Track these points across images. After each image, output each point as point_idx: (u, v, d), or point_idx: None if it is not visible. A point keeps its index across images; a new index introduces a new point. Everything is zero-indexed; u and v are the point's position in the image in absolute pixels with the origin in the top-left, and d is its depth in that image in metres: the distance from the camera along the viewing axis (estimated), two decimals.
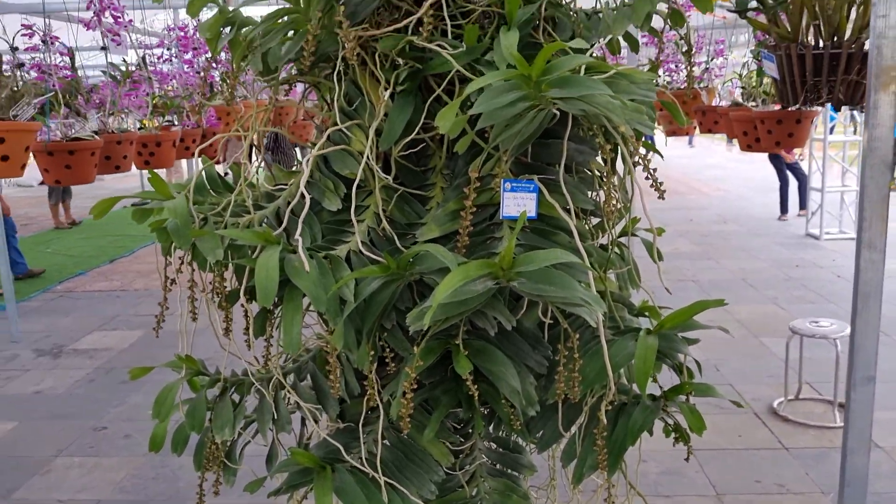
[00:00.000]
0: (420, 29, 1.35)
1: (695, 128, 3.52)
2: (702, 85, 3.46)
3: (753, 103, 2.72)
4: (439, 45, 1.35)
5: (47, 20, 2.57)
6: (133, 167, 2.87)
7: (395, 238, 1.39)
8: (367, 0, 1.41)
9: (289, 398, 1.54)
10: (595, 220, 1.58)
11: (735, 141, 2.92)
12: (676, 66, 3.64)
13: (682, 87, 3.60)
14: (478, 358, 1.29)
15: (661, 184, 1.31)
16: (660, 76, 3.72)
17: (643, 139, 1.42)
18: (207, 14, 1.51)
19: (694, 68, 3.54)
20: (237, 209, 1.47)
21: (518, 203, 1.35)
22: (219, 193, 1.58)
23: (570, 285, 1.15)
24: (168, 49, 3.12)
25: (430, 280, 1.27)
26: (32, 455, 3.37)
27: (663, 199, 1.28)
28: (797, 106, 1.96)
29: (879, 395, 3.59)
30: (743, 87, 2.98)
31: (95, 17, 2.41)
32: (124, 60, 2.86)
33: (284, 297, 1.24)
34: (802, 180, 8.51)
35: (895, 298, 5.22)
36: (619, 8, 1.49)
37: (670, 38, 3.73)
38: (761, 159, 9.17)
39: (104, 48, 2.69)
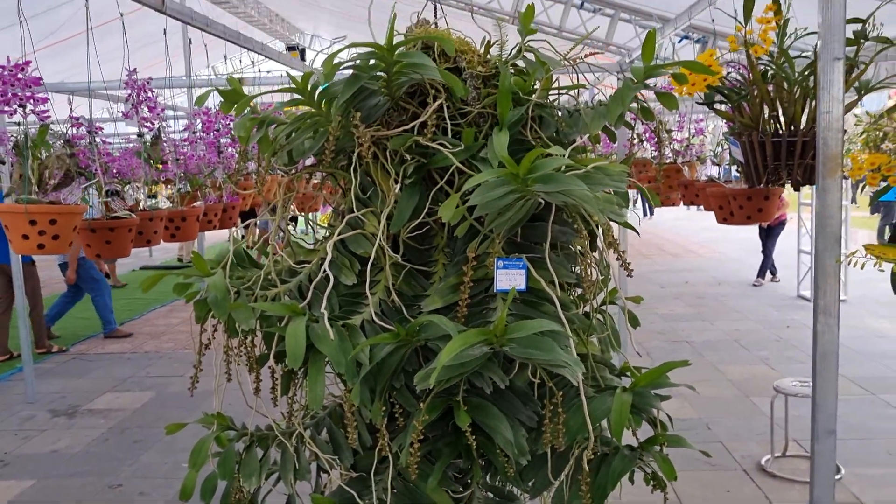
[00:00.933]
0: (424, 130, 1.58)
1: (680, 198, 3.76)
2: (683, 161, 3.71)
3: (728, 181, 2.96)
4: (441, 144, 1.58)
5: (92, 102, 2.83)
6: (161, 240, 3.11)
7: (404, 309, 1.60)
8: (380, 104, 1.65)
9: (308, 450, 1.73)
10: (580, 291, 1.78)
11: None
12: (662, 142, 3.90)
13: (668, 162, 3.85)
14: (475, 413, 1.49)
15: (629, 264, 1.52)
16: (645, 150, 3.99)
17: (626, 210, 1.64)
18: (214, 100, 1.75)
19: (675, 145, 3.81)
20: (265, 283, 1.68)
21: (509, 278, 1.56)
22: (244, 268, 1.80)
23: (554, 350, 1.35)
24: (193, 132, 3.39)
25: (434, 345, 1.48)
26: None
27: (631, 276, 1.49)
28: (761, 185, 2.19)
29: (862, 451, 3.76)
30: (717, 164, 3.22)
31: (133, 109, 2.67)
32: (156, 138, 3.14)
33: (309, 360, 1.45)
34: (769, 248, 8.73)
35: (880, 357, 5.40)
36: (595, 107, 1.73)
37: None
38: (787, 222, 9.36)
39: (140, 135, 2.96)
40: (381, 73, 1.59)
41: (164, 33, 3.11)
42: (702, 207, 3.52)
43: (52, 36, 7.08)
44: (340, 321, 1.55)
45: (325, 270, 1.53)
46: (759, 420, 4.31)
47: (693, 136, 3.79)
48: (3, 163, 3.18)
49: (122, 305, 8.37)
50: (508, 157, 1.37)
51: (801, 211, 8.08)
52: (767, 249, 8.72)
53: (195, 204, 3.17)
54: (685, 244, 12.86)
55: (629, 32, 7.56)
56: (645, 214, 17.54)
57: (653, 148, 3.98)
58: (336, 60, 1.56)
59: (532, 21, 1.74)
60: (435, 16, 1.91)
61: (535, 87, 1.73)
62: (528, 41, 1.75)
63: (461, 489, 1.75)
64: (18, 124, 2.16)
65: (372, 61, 1.59)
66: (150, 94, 2.66)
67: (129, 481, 3.83)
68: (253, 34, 18.15)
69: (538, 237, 1.63)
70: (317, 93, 1.60)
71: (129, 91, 2.64)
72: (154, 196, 3.55)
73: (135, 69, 2.72)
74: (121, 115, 2.71)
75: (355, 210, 1.65)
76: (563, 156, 1.55)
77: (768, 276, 8.99)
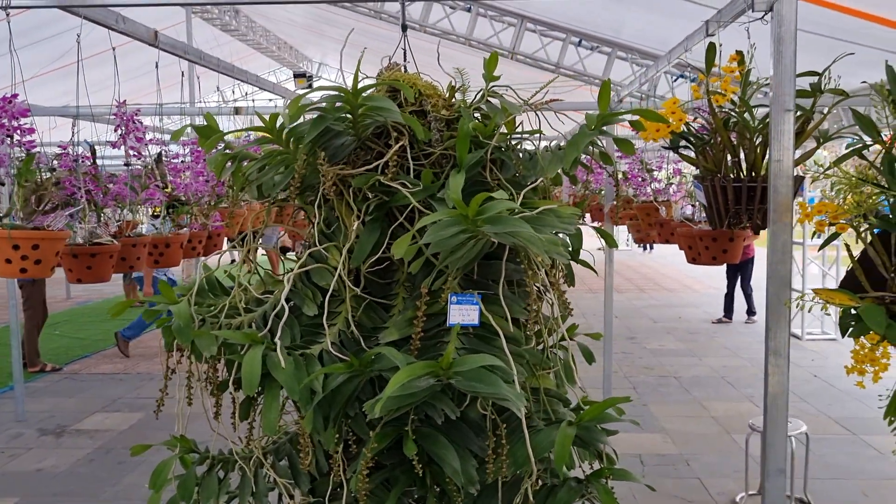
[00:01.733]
0: (386, 170, 1.66)
1: (658, 234, 3.83)
2: (662, 199, 3.80)
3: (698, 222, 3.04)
4: (402, 184, 1.66)
5: (76, 132, 2.93)
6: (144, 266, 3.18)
7: (362, 340, 1.66)
8: (346, 144, 1.73)
9: (269, 475, 1.79)
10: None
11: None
12: (643, 180, 4.00)
13: (648, 199, 3.94)
14: (425, 442, 1.55)
15: (569, 304, 1.59)
16: (626, 189, 4.08)
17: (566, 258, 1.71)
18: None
19: (652, 185, 3.89)
20: (231, 311, 1.75)
21: (462, 313, 1.63)
22: (216, 296, 1.87)
23: (497, 384, 1.42)
24: (182, 160, 3.49)
25: (388, 376, 1.54)
26: None
27: (570, 314, 1.56)
28: (723, 228, 2.26)
29: (837, 491, 3.78)
30: (693, 205, 3.30)
31: (121, 139, 2.77)
32: (158, 161, 3.24)
33: (265, 387, 1.52)
34: (744, 286, 8.69)
35: (864, 397, 5.43)
36: (554, 152, 1.81)
37: (636, 156, 4.10)
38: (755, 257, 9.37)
39: (127, 164, 3.05)
40: (347, 115, 1.67)
41: (157, 66, 3.21)
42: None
43: (67, 56, 7.23)
44: (300, 350, 1.62)
45: (282, 302, 1.60)
46: (738, 457, 4.34)
47: (672, 176, 3.88)
48: (3, 184, 3.28)
49: (117, 326, 8.42)
50: (459, 198, 1.44)
51: (793, 250, 8.15)
52: (743, 287, 8.64)
53: (179, 231, 3.26)
54: (682, 279, 12.91)
55: (626, 70, 7.69)
56: (645, 249, 17.62)
57: (635, 187, 4.07)
58: (302, 102, 1.65)
59: (496, 68, 1.82)
60: (405, 59, 2.00)
61: (498, 130, 1.81)
62: (495, 87, 1.83)
63: None
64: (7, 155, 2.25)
65: (339, 104, 1.68)
66: (137, 125, 2.75)
67: (111, 502, 3.87)
68: (260, 61, 18.44)
69: (493, 274, 1.70)
70: (284, 132, 1.68)
71: (117, 122, 2.74)
72: (156, 216, 3.63)
73: (124, 101, 2.82)
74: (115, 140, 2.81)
75: (318, 244, 1.72)
76: (517, 198, 1.64)
77: (743, 317, 8.86)
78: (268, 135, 1.69)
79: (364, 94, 1.64)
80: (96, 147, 3.44)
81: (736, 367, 6.61)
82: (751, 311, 8.75)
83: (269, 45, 17.06)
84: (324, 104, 1.67)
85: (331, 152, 1.72)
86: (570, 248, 1.91)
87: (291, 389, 1.47)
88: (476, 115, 1.90)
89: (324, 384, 1.52)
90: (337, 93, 1.65)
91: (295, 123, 1.68)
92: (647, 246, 17.76)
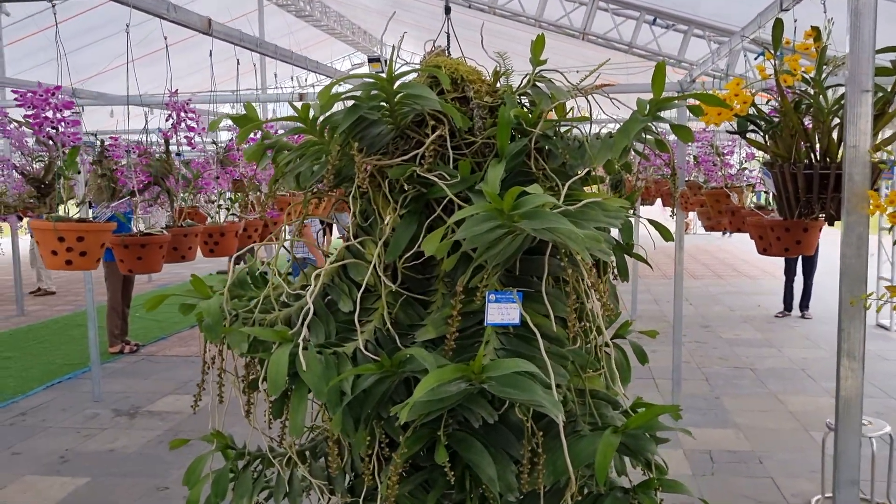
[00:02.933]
0: (423, 161, 1.58)
1: (730, 223, 3.64)
2: (733, 185, 3.60)
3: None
4: (440, 175, 1.58)
5: (147, 121, 2.95)
6: (199, 255, 3.20)
7: (398, 338, 1.60)
8: (383, 134, 1.66)
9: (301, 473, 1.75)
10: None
11: None
12: (714, 165, 3.80)
13: (719, 185, 3.74)
14: (460, 447, 1.48)
15: (611, 307, 1.49)
16: (697, 174, 3.89)
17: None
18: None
19: (723, 170, 3.69)
20: (268, 306, 1.71)
21: (502, 312, 1.55)
22: (258, 288, 1.83)
23: (532, 389, 1.33)
24: (236, 150, 3.50)
25: (421, 377, 1.47)
26: None
27: (613, 320, 1.46)
28: (793, 218, 2.11)
29: None
30: (766, 192, 3.10)
31: (173, 129, 2.77)
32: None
33: (294, 387, 1.47)
34: (809, 277, 8.21)
35: None
36: (603, 140, 1.70)
37: (706, 138, 3.91)
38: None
39: (178, 154, 3.06)
40: (383, 104, 1.60)
41: (210, 55, 3.21)
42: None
43: (156, 43, 7.39)
44: (333, 348, 1.56)
45: (310, 299, 1.54)
46: (815, 455, 4.12)
47: (745, 161, 3.67)
48: (79, 172, 3.34)
49: None
50: (495, 191, 1.35)
51: (881, 236, 7.72)
52: (806, 279, 8.15)
53: (233, 219, 3.27)
54: (762, 265, 12.44)
55: (702, 49, 7.39)
56: (724, 233, 17.09)
57: (706, 172, 3.88)
58: (335, 90, 1.58)
59: (542, 52, 1.72)
60: (448, 45, 1.91)
61: (544, 118, 1.71)
62: (542, 71, 1.73)
63: None
64: (51, 144, 2.26)
65: (374, 91, 1.61)
66: (190, 114, 2.75)
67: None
68: (336, 46, 18.55)
69: (536, 270, 1.61)
70: (318, 122, 1.62)
71: (169, 112, 2.74)
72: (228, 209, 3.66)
73: (176, 90, 2.83)
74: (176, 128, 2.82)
75: (353, 237, 1.66)
76: (562, 189, 1.54)
77: (796, 311, 8.39)
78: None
79: (400, 82, 1.57)
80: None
81: (816, 359, 6.31)
82: (805, 306, 8.29)
83: (344, 31, 17.13)
84: (359, 92, 1.61)
85: (367, 142, 1.66)
86: (620, 243, 1.81)
87: (318, 391, 1.42)
88: (524, 101, 1.81)
89: (354, 385, 1.46)
90: (372, 80, 1.58)
91: (329, 113, 1.62)
92: (726, 230, 17.20)
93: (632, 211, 1.76)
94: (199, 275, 1.68)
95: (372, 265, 1.59)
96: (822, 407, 5.02)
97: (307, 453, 1.79)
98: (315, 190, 1.78)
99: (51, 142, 2.26)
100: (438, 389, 1.33)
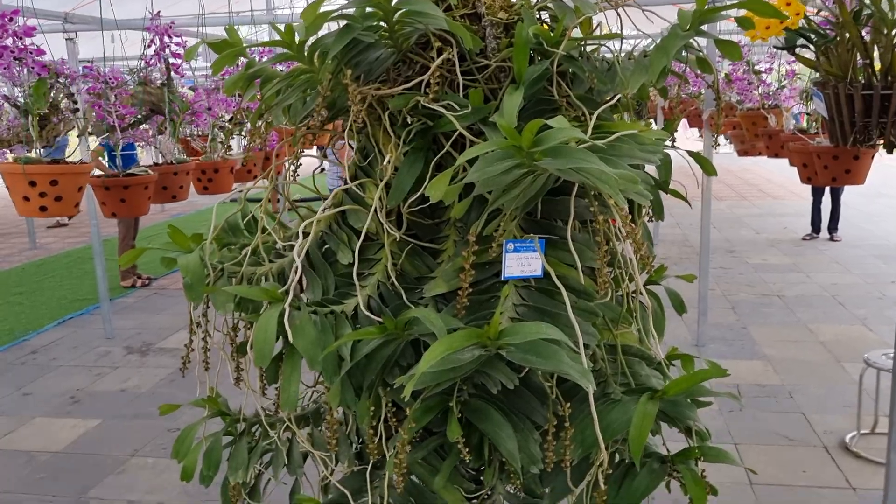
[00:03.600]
0: (428, 89, 1.36)
1: (767, 147, 3.39)
2: (770, 106, 3.32)
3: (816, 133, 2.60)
4: (447, 105, 1.37)
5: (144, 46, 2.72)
6: (191, 194, 3.01)
7: (403, 293, 1.41)
8: (382, 58, 1.44)
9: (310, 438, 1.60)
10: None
11: None
12: (749, 84, 3.52)
13: (755, 106, 3.47)
14: (475, 417, 1.31)
15: (651, 260, 1.29)
16: (731, 93, 3.61)
17: None
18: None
19: (760, 89, 3.41)
20: (260, 256, 1.53)
21: (522, 263, 1.35)
22: (252, 234, 1.65)
23: (557, 356, 1.15)
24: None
25: (430, 341, 1.29)
26: (111, 453, 3.58)
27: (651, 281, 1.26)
28: (847, 145, 1.88)
29: None
30: (808, 114, 2.85)
31: (156, 56, 2.55)
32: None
33: (285, 354, 1.29)
34: (837, 198, 7.86)
35: None
36: (637, 60, 1.47)
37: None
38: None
39: (163, 84, 2.83)
40: (381, 23, 1.38)
41: None
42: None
43: None
44: (331, 306, 1.38)
45: (297, 257, 1.35)
46: (848, 389, 3.97)
47: (784, 79, 3.39)
48: (77, 109, 3.13)
49: None
50: (511, 125, 1.14)
51: None
52: (834, 201, 7.82)
53: (230, 154, 3.07)
54: (788, 185, 12.08)
55: None
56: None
57: (740, 92, 3.60)
58: (323, 9, 1.35)
59: None
60: None
61: (567, 36, 1.48)
62: None
63: (475, 486, 1.59)
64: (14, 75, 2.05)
65: (370, 9, 1.38)
66: (175, 39, 2.51)
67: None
68: None
69: (561, 214, 1.41)
70: (306, 46, 1.40)
71: (151, 36, 2.51)
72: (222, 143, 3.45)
73: (158, 12, 2.58)
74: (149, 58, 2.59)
75: (352, 179, 1.46)
76: (589, 120, 1.32)
77: (824, 234, 8.06)
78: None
79: None
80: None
81: (848, 285, 6.09)
82: (834, 228, 8.00)
83: None
84: (351, 10, 1.38)
85: (363, 68, 1.44)
86: (656, 179, 1.60)
87: (312, 359, 1.24)
88: (544, 16, 1.58)
89: (353, 351, 1.29)
90: None
91: (319, 35, 1.40)
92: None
93: (671, 143, 1.54)
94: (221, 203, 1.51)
95: (372, 210, 1.39)
96: (855, 337, 4.84)
97: (310, 417, 1.63)
98: (309, 126, 1.57)
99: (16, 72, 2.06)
100: (448, 358, 1.15)
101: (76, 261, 7.95)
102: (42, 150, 2.59)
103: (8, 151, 3.33)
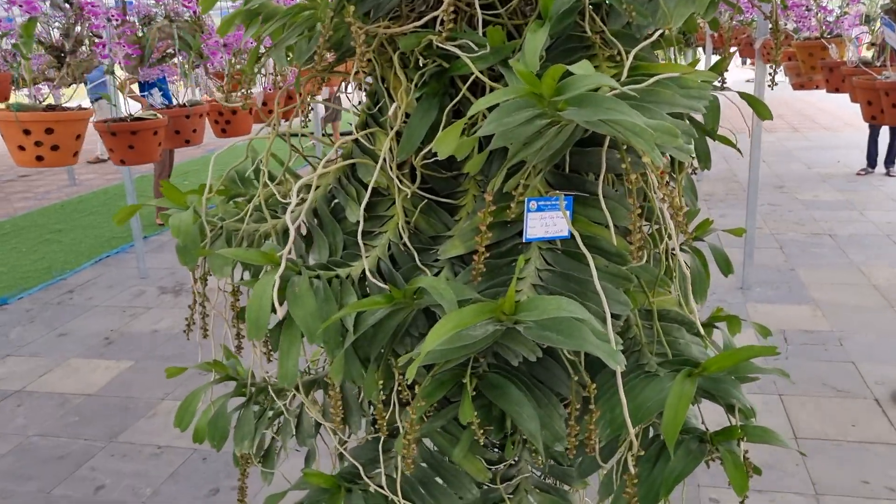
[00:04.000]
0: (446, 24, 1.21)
1: (826, 81, 3.13)
2: (831, 36, 3.05)
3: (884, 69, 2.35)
4: (464, 46, 1.21)
5: None
6: (205, 139, 2.89)
7: (416, 255, 1.29)
8: None
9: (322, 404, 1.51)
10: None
11: None
12: (808, 10, 3.24)
13: (813, 35, 3.20)
14: (493, 394, 1.19)
15: (686, 224, 1.14)
16: (787, 22, 3.32)
17: None
18: None
19: (819, 16, 3.14)
20: (267, 208, 1.41)
21: (546, 223, 1.22)
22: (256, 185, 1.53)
23: (580, 334, 1.02)
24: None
25: (440, 310, 1.17)
26: (143, 396, 3.57)
27: (684, 246, 1.12)
28: None
29: None
30: (873, 44, 2.59)
31: None
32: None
33: (284, 325, 1.18)
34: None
35: None
36: None
37: None
38: None
39: (171, 19, 2.69)
40: None
41: None
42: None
43: None
44: (337, 270, 1.27)
45: (294, 218, 1.23)
46: None
47: (847, 5, 3.11)
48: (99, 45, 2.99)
49: None
50: (531, 70, 0.98)
51: None
52: (893, 132, 7.40)
53: (253, 93, 2.92)
54: (843, 115, 11.56)
55: None
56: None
57: (795, 19, 3.32)
58: None
59: None
60: None
61: None
62: None
63: (500, 455, 1.49)
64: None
65: None
66: None
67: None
68: None
69: (591, 167, 1.26)
70: None
71: None
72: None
73: None
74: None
75: (363, 127, 1.33)
76: (625, 59, 1.16)
77: (881, 168, 7.65)
78: None
79: None
80: None
81: None
82: (891, 162, 7.57)
83: None
84: None
85: (371, 3, 1.28)
86: (703, 126, 1.43)
87: (311, 332, 1.13)
88: None
89: (358, 322, 1.17)
90: None
91: None
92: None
93: (721, 84, 1.37)
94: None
95: (380, 162, 1.26)
96: None
97: (322, 381, 1.53)
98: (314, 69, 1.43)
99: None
100: (459, 335, 1.02)
101: (113, 198, 7.96)
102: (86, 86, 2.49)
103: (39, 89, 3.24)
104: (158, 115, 2.42)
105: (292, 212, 1.43)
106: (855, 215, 6.07)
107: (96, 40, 3.00)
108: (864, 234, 5.55)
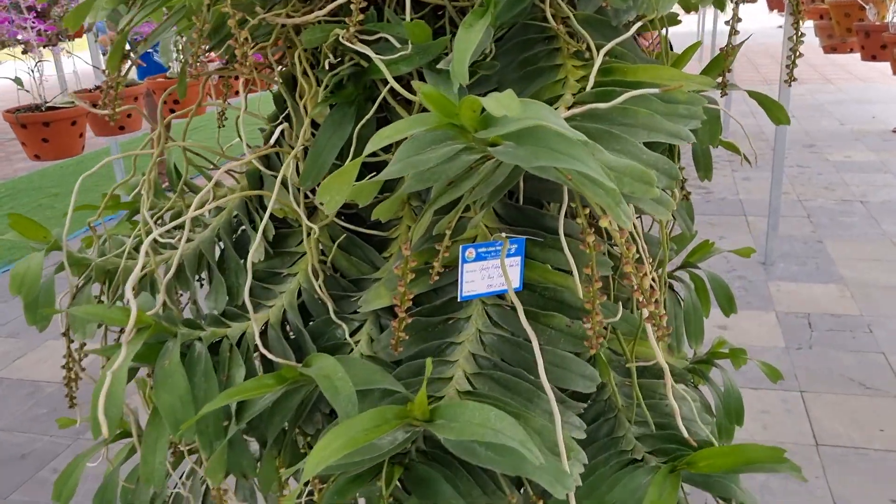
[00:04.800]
0: (361, 13, 0.93)
1: (862, 47, 2.78)
2: None
3: None
4: (381, 43, 0.93)
5: None
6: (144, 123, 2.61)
7: (331, 305, 1.03)
8: None
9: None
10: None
11: None
12: None
13: None
14: (420, 491, 0.93)
15: (692, 236, 0.86)
16: None
17: None
18: None
19: None
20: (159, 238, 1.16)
21: (490, 274, 0.96)
22: (167, 197, 1.27)
23: (515, 453, 0.77)
24: None
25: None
26: None
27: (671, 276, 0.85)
28: None
29: None
30: None
31: None
32: None
33: (150, 415, 0.93)
34: None
35: None
36: None
37: None
38: None
39: None
40: None
41: None
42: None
43: None
44: (231, 325, 1.01)
45: (173, 257, 0.97)
46: None
47: None
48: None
49: None
50: (439, 94, 0.69)
51: None
52: None
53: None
54: (879, 66, 10.96)
55: None
56: None
57: None
58: None
59: None
60: None
61: None
62: None
63: None
64: None
65: None
66: None
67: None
68: None
69: (550, 195, 1.00)
70: None
71: None
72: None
73: None
74: None
75: (263, 142, 1.06)
76: (594, 57, 0.89)
77: None
78: None
79: None
80: None
81: None
82: None
83: None
84: None
85: None
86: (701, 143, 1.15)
87: (176, 425, 0.87)
88: None
89: (244, 406, 0.92)
90: None
91: None
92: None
93: (721, 90, 1.09)
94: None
95: (276, 189, 0.99)
96: None
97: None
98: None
99: None
100: (356, 451, 0.77)
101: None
102: None
103: None
104: (78, 103, 2.14)
105: (195, 237, 1.18)
106: (890, 179, 5.67)
107: None
108: None
